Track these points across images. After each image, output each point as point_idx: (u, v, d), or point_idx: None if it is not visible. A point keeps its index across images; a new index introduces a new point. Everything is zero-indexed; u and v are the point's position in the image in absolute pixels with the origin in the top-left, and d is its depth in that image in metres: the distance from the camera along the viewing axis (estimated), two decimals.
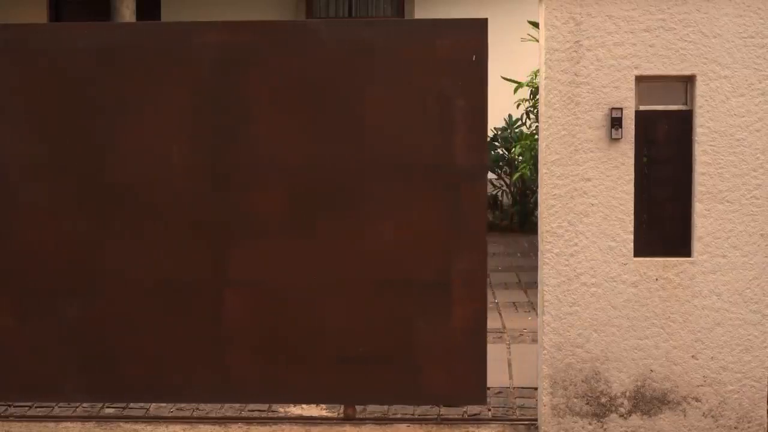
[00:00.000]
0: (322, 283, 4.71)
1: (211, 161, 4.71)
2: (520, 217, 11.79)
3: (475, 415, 4.96)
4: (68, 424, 4.89)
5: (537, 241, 4.70)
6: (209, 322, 4.75)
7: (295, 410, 5.04)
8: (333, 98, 4.66)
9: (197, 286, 4.74)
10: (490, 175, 12.00)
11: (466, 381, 4.72)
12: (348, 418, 4.86)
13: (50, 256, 4.76)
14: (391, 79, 4.65)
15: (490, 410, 5.01)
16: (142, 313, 4.75)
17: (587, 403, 4.53)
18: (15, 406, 5.08)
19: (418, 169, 4.66)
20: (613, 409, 4.52)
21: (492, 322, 6.69)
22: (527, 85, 8.96)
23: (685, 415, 4.51)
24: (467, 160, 4.64)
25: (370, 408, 4.99)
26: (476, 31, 4.62)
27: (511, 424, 4.84)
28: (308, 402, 5.01)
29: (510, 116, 11.60)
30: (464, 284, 4.67)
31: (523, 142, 9.23)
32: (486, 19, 4.64)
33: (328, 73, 4.66)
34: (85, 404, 5.07)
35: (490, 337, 6.21)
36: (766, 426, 4.50)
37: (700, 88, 4.43)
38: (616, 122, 4.41)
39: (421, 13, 12.55)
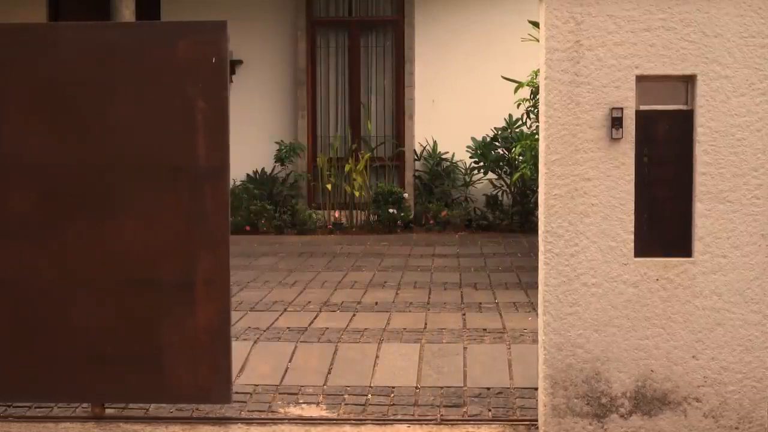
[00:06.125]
0: (71, 282, 4.78)
1: None
2: (521, 217, 11.80)
3: (475, 415, 4.95)
4: (68, 424, 4.89)
5: (537, 241, 4.70)
6: None
7: (295, 410, 5.03)
8: (79, 99, 4.73)
9: None
10: (491, 175, 12.01)
11: (211, 380, 4.79)
12: (96, 417, 4.90)
13: None
14: (136, 80, 4.71)
15: (490, 410, 5.00)
16: None
17: (588, 404, 4.52)
18: (15, 407, 5.08)
19: (162, 170, 4.73)
20: (614, 409, 4.52)
21: (492, 322, 6.69)
22: (527, 85, 8.95)
23: (685, 416, 4.50)
24: (209, 160, 4.70)
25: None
26: (217, 32, 4.67)
27: (512, 425, 4.83)
28: (56, 401, 5.05)
29: (510, 116, 11.62)
30: (207, 284, 4.74)
31: (523, 142, 9.23)
32: (225, 22, 4.71)
33: (75, 75, 4.73)
34: (84, 404, 5.07)
35: (490, 337, 6.23)
36: (766, 426, 4.49)
37: (701, 87, 4.42)
38: (616, 122, 4.41)
39: (420, 12, 12.58)
